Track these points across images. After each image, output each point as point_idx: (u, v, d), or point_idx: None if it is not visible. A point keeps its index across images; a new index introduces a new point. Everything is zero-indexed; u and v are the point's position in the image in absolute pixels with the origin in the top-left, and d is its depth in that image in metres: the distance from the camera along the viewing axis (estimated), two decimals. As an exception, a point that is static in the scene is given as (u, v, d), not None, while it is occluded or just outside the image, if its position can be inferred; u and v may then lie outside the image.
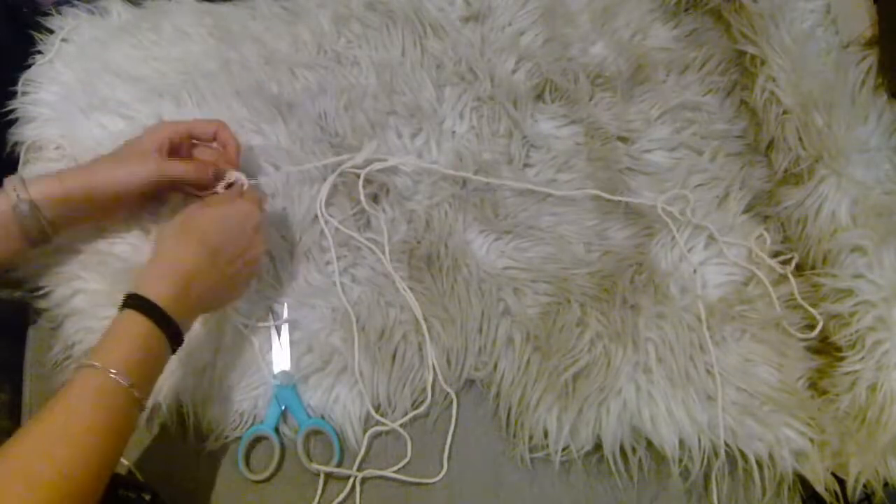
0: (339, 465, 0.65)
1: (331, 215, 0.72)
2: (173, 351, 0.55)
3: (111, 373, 0.49)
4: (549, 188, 0.75)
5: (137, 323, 0.52)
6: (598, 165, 0.76)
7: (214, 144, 0.67)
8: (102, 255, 0.68)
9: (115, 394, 0.49)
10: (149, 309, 0.52)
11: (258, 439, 0.66)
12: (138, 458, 0.63)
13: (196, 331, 0.65)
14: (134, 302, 0.53)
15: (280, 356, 0.66)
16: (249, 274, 0.64)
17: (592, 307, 0.69)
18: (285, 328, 0.67)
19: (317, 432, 0.66)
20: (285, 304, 0.68)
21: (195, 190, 0.66)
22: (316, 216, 0.71)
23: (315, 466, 0.64)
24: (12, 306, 0.68)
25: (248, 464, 0.65)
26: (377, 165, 0.72)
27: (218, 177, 0.65)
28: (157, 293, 0.53)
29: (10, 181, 0.58)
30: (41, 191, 0.59)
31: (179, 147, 0.65)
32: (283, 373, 0.66)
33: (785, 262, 0.72)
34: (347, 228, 0.71)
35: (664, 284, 0.71)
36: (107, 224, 0.69)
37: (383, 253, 0.71)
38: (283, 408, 0.65)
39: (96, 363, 0.49)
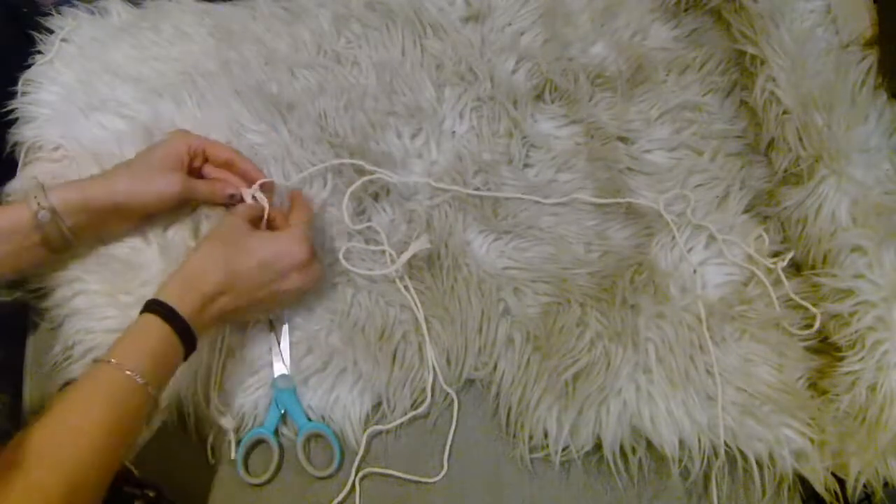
0: (340, 467, 0.65)
1: (330, 215, 0.72)
2: (185, 358, 0.56)
3: (127, 370, 0.50)
4: (549, 188, 0.75)
5: (157, 327, 0.53)
6: (598, 165, 0.76)
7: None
8: (102, 257, 0.68)
9: (129, 391, 0.50)
10: (171, 317, 0.54)
11: (258, 442, 0.66)
12: (139, 458, 0.63)
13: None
14: (157, 308, 0.54)
15: (280, 359, 0.66)
16: (276, 304, 0.65)
17: (592, 307, 0.69)
18: (285, 330, 0.67)
19: (317, 435, 0.66)
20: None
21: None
22: (315, 217, 0.71)
23: (313, 471, 0.64)
24: (12, 306, 0.68)
25: (247, 467, 0.65)
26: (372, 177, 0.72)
27: (234, 200, 0.67)
28: (180, 303, 0.54)
29: (30, 190, 0.59)
30: (61, 198, 0.59)
31: (192, 161, 0.66)
32: (283, 376, 0.66)
33: (777, 258, 0.72)
34: (347, 228, 0.71)
35: (664, 284, 0.71)
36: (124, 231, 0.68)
37: (383, 253, 0.71)
38: (282, 411, 0.65)
39: (113, 360, 0.50)
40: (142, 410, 0.52)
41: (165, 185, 0.63)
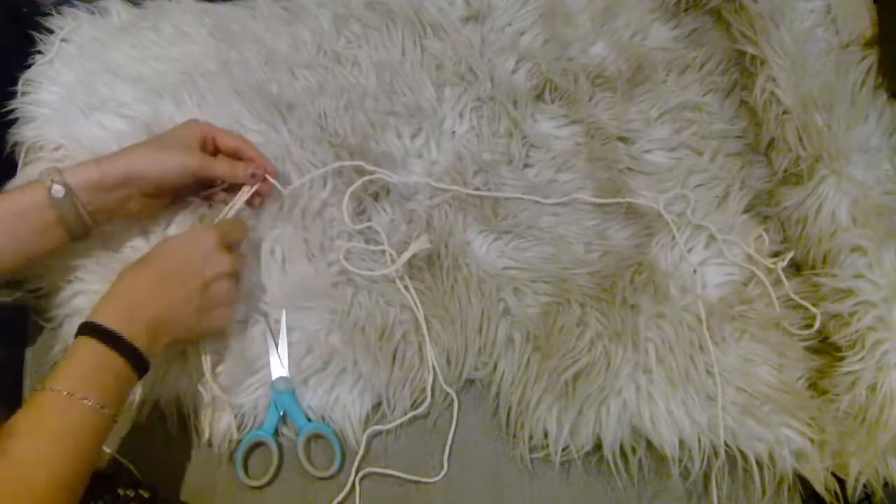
0: (341, 468, 0.65)
1: (330, 215, 0.72)
2: (140, 372, 0.55)
3: (67, 393, 0.49)
4: (549, 188, 0.75)
5: (90, 347, 0.52)
6: (598, 165, 0.76)
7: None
8: (103, 257, 0.68)
9: (73, 412, 0.50)
10: (100, 333, 0.52)
11: (257, 444, 0.66)
12: (138, 460, 0.63)
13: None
14: (86, 328, 0.53)
15: (278, 361, 0.66)
16: (218, 297, 0.61)
17: (592, 307, 0.69)
18: (283, 333, 0.67)
19: (317, 435, 0.66)
20: (283, 308, 0.68)
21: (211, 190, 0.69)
22: (315, 216, 0.71)
23: (315, 471, 0.64)
24: (12, 306, 0.68)
25: (246, 469, 0.65)
26: (373, 177, 0.72)
27: (256, 177, 0.66)
28: (106, 318, 0.53)
29: (45, 170, 0.58)
30: (76, 176, 0.58)
31: (204, 147, 0.67)
32: (281, 378, 0.65)
33: (777, 258, 0.72)
34: (347, 228, 0.71)
35: (664, 284, 0.71)
36: (132, 222, 0.69)
37: (383, 253, 0.71)
38: (281, 413, 0.65)
39: (54, 387, 0.49)
40: (92, 428, 0.51)
41: (182, 157, 0.63)
